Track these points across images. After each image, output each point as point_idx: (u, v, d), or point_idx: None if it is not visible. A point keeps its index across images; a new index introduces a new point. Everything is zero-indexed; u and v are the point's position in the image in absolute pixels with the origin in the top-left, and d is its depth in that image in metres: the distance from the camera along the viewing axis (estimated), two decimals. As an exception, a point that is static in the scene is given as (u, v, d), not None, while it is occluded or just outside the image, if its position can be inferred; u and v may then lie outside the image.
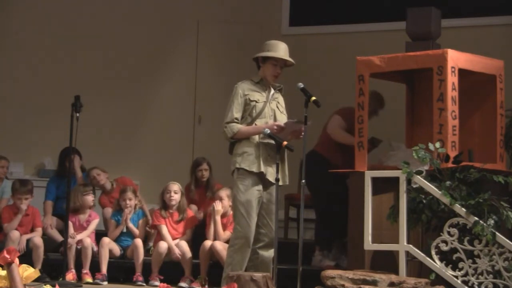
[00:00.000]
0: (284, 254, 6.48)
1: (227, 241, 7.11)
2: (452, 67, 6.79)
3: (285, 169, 6.49)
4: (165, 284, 5.97)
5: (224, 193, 7.75)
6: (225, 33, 10.46)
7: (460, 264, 6.12)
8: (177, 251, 7.73)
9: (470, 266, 6.10)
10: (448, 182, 6.30)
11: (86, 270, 7.77)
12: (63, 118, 7.92)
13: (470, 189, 6.29)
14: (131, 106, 10.19)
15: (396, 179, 6.38)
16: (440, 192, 6.21)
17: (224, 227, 7.78)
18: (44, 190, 8.54)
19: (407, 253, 6.32)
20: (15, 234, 7.84)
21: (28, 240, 7.86)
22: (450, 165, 6.48)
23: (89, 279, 7.70)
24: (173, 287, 6.93)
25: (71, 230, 7.84)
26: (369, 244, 6.51)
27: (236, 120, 6.43)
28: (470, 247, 6.12)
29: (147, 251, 8.02)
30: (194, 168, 8.52)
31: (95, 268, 7.79)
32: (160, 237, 7.92)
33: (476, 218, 6.07)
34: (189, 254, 7.76)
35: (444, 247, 6.17)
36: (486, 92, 7.23)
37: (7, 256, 5.51)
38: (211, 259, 7.69)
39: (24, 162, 9.75)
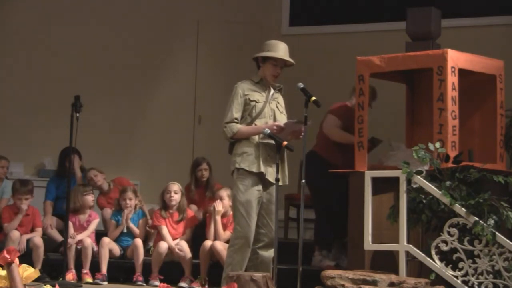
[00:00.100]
0: (284, 254, 6.48)
1: (227, 241, 7.11)
2: (452, 67, 6.79)
3: (285, 169, 6.48)
4: (165, 284, 5.97)
5: (225, 192, 7.75)
6: (225, 33, 10.46)
7: (460, 264, 6.13)
8: (178, 249, 7.72)
9: (470, 266, 6.10)
10: (448, 182, 6.30)
11: (86, 270, 7.77)
12: (63, 118, 7.92)
13: (470, 189, 6.29)
14: (131, 106, 10.19)
15: (396, 179, 6.38)
16: (440, 192, 6.21)
17: (224, 227, 7.78)
18: (44, 190, 8.54)
19: (407, 253, 6.32)
20: (15, 234, 7.84)
21: (28, 240, 7.86)
22: (450, 165, 6.48)
23: (89, 279, 7.70)
24: (173, 287, 6.93)
25: (71, 230, 7.84)
26: (369, 244, 6.51)
27: (235, 120, 6.42)
28: (470, 247, 6.12)
29: (147, 251, 8.02)
30: (194, 168, 8.53)
31: (95, 268, 7.79)
32: (160, 237, 7.92)
33: (476, 218, 6.07)
34: (189, 254, 7.76)
35: (444, 247, 6.17)
36: (486, 92, 7.23)
37: (7, 256, 5.51)
38: (211, 259, 7.69)
39: (24, 162, 9.75)
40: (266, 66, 6.51)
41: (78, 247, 7.85)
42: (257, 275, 5.74)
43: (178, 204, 7.98)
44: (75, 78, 9.81)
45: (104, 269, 7.78)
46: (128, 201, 8.06)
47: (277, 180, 6.23)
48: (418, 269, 6.42)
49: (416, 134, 7.48)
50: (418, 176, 6.32)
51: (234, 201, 6.45)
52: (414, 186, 6.36)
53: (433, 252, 6.20)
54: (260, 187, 6.38)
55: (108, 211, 8.38)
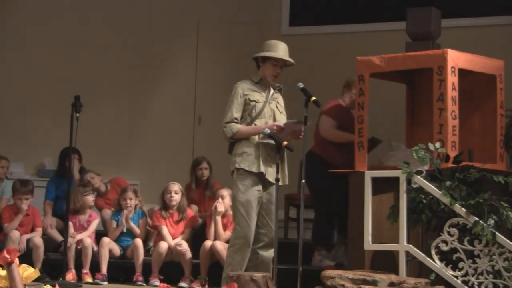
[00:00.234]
0: (284, 254, 6.48)
1: (227, 241, 7.11)
2: (452, 67, 6.79)
3: (285, 169, 6.48)
4: (165, 284, 5.97)
5: (226, 192, 7.73)
6: (225, 33, 10.46)
7: (460, 264, 6.12)
8: (177, 249, 7.72)
9: (470, 266, 6.10)
10: (448, 182, 6.30)
11: (86, 270, 7.77)
12: (63, 118, 7.92)
13: (470, 189, 6.29)
14: (131, 106, 10.20)
15: (396, 179, 6.38)
16: (440, 192, 6.21)
17: (224, 227, 7.78)
18: (44, 190, 8.54)
19: (407, 253, 6.32)
20: (15, 234, 7.84)
21: (28, 240, 7.86)
22: (450, 165, 6.48)
23: (89, 279, 7.70)
24: (173, 287, 6.92)
25: (71, 229, 7.85)
26: (369, 244, 6.51)
27: (235, 120, 6.42)
28: (470, 247, 6.11)
29: (147, 251, 8.02)
30: (194, 167, 8.53)
31: (95, 268, 7.79)
32: (160, 237, 7.91)
33: (476, 218, 6.07)
34: (189, 254, 7.76)
35: (444, 247, 6.17)
36: (486, 92, 7.23)
37: (7, 256, 5.51)
38: (211, 259, 7.69)
39: (24, 162, 9.75)
40: (266, 66, 6.51)
41: (78, 247, 7.85)
42: (257, 275, 5.74)
43: (178, 204, 7.98)
44: (75, 78, 9.81)
45: (104, 269, 7.78)
46: (128, 201, 8.06)
47: (277, 180, 6.23)
48: (418, 269, 6.42)
49: (416, 134, 7.47)
50: (418, 176, 6.32)
51: (234, 201, 6.45)
52: (414, 186, 6.35)
53: (433, 252, 6.19)
54: (260, 187, 6.38)
55: (107, 212, 8.39)
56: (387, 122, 8.59)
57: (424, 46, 7.14)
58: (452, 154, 6.60)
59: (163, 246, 7.76)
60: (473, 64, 7.04)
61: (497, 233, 6.03)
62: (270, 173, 6.36)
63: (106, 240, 7.92)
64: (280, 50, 6.49)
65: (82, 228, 8.05)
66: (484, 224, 6.03)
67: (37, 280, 6.01)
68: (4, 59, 9.90)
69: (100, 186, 8.57)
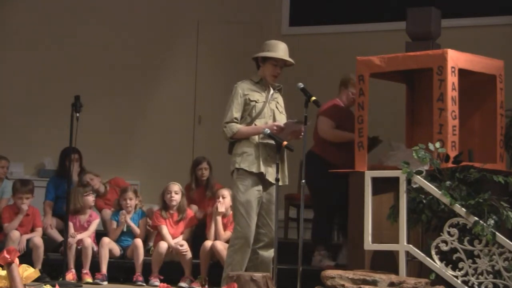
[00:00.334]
0: (284, 254, 6.48)
1: (227, 241, 7.11)
2: (452, 67, 6.79)
3: (285, 169, 6.48)
4: (165, 284, 5.97)
5: (227, 191, 7.72)
6: (225, 33, 10.46)
7: (460, 264, 6.12)
8: (179, 248, 7.72)
9: (470, 266, 6.10)
10: (448, 182, 6.30)
11: (86, 270, 7.77)
12: (63, 118, 7.92)
13: (470, 189, 6.29)
14: (131, 106, 10.20)
15: (396, 179, 6.38)
16: (440, 192, 6.21)
17: (224, 227, 7.78)
18: (44, 190, 8.54)
19: (407, 253, 6.32)
20: (15, 234, 7.84)
21: (28, 240, 7.86)
22: (450, 165, 6.48)
23: (89, 279, 7.71)
24: (173, 287, 6.92)
25: (71, 229, 7.85)
26: (369, 244, 6.51)
27: (235, 120, 6.42)
28: (470, 247, 6.11)
29: (147, 251, 8.02)
30: (194, 167, 8.53)
31: (95, 268, 7.80)
32: (160, 237, 7.91)
33: (476, 218, 6.07)
34: (189, 254, 7.76)
35: (444, 247, 6.17)
36: (486, 92, 7.23)
37: (7, 256, 5.51)
38: (211, 259, 7.69)
39: (24, 162, 9.75)
40: (266, 66, 6.51)
41: (78, 247, 7.85)
42: (257, 275, 5.74)
43: (178, 204, 7.98)
44: (75, 78, 9.81)
45: (104, 269, 7.79)
46: (128, 201, 8.07)
47: (277, 180, 6.23)
48: (418, 269, 6.42)
49: (416, 134, 7.47)
50: (418, 176, 6.32)
51: (234, 201, 6.45)
52: (414, 186, 6.35)
53: (433, 252, 6.19)
54: (260, 187, 6.38)
55: (107, 212, 8.39)
56: (387, 122, 8.59)
57: (424, 46, 7.14)
58: (452, 154, 6.60)
59: (163, 246, 7.76)
60: (473, 64, 7.04)
61: (497, 233, 6.03)
62: (270, 173, 6.36)
63: (106, 240, 7.92)
64: (280, 50, 6.49)
65: (82, 228, 8.05)
66: (484, 224, 6.03)
67: (37, 280, 6.01)
68: (4, 59, 9.90)
69: (100, 187, 8.57)
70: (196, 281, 7.66)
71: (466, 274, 6.10)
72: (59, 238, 8.11)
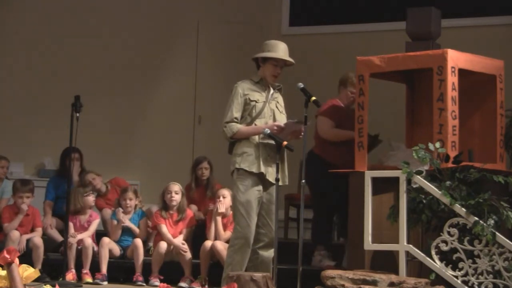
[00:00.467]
0: (284, 254, 6.48)
1: (227, 241, 7.11)
2: (452, 67, 6.79)
3: (285, 169, 6.48)
4: (165, 284, 5.97)
5: (227, 191, 7.72)
6: (225, 33, 10.46)
7: (460, 264, 6.12)
8: (180, 246, 7.71)
9: (470, 266, 6.10)
10: (448, 182, 6.30)
11: (86, 270, 7.77)
12: (63, 118, 7.92)
13: (470, 189, 6.29)
14: (131, 106, 10.19)
15: (396, 179, 6.38)
16: (440, 192, 6.21)
17: (224, 227, 7.78)
18: (44, 190, 8.54)
19: (407, 253, 6.32)
20: (15, 234, 7.84)
21: (28, 240, 7.86)
22: (450, 165, 6.48)
23: (89, 279, 7.70)
24: (173, 287, 6.92)
25: (71, 229, 7.85)
26: (369, 244, 6.51)
27: (235, 120, 6.42)
28: (470, 247, 6.12)
29: (147, 251, 8.02)
30: (194, 166, 8.53)
31: (95, 268, 7.79)
32: (160, 237, 7.91)
33: (476, 218, 6.07)
34: (189, 254, 7.76)
35: (444, 247, 6.17)
36: (486, 92, 7.23)
37: (7, 256, 5.51)
38: (211, 259, 7.68)
39: (24, 162, 9.75)
40: (267, 66, 6.51)
41: (79, 247, 7.85)
42: (257, 275, 5.74)
43: (178, 204, 7.98)
44: (75, 78, 9.81)
45: (104, 269, 7.78)
46: (128, 201, 8.07)
47: (277, 180, 6.23)
48: (418, 269, 6.42)
49: (416, 134, 7.47)
50: (418, 176, 6.32)
51: (234, 201, 6.45)
52: (414, 186, 6.35)
53: (433, 252, 6.19)
54: (260, 187, 6.38)
55: (107, 211, 8.39)
56: (387, 122, 8.59)
57: (424, 46, 7.14)
58: (452, 154, 6.60)
59: (163, 246, 7.76)
60: (473, 64, 7.04)
61: (497, 233, 6.03)
62: (270, 173, 6.36)
63: (106, 240, 7.92)
64: (280, 50, 6.49)
65: (82, 228, 8.05)
66: (484, 224, 6.03)
67: (37, 280, 6.01)
68: (4, 59, 9.90)
69: (101, 186, 8.57)
70: (196, 281, 7.66)
71: (466, 274, 6.10)
72: (59, 238, 8.11)
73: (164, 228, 7.90)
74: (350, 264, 6.88)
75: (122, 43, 10.19)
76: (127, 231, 8.07)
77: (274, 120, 6.47)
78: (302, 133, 6.32)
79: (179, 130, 10.31)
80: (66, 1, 10.12)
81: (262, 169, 6.34)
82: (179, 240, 7.81)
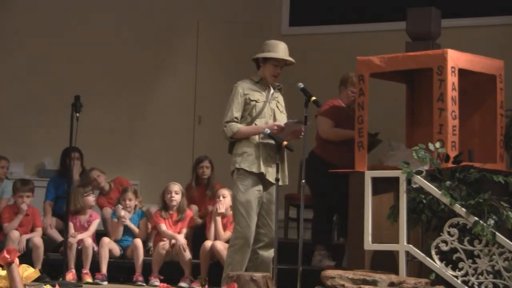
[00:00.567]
0: (284, 254, 6.48)
1: (227, 241, 7.11)
2: (452, 67, 6.79)
3: (285, 169, 6.48)
4: (165, 284, 5.97)
5: (227, 191, 7.72)
6: (225, 33, 10.46)
7: (460, 264, 6.12)
8: (181, 241, 7.71)
9: (470, 266, 6.10)
10: (448, 182, 6.29)
11: (86, 270, 7.77)
12: (63, 118, 7.93)
13: (470, 189, 6.29)
14: (131, 106, 10.20)
15: (396, 179, 6.38)
16: (440, 192, 6.21)
17: (224, 227, 7.78)
18: (44, 190, 8.55)
19: (407, 253, 6.32)
20: (15, 234, 7.84)
21: (28, 240, 7.86)
22: (450, 165, 6.48)
23: (89, 279, 7.71)
24: (173, 287, 6.92)
25: (71, 229, 7.85)
26: (369, 244, 6.51)
27: (235, 120, 6.42)
28: (470, 247, 6.11)
29: (147, 251, 8.02)
30: (196, 165, 8.53)
31: (95, 268, 7.80)
32: (160, 237, 7.91)
33: (476, 218, 6.07)
34: (189, 254, 7.76)
35: (444, 247, 6.17)
36: (486, 92, 7.23)
37: (7, 256, 5.51)
38: (211, 259, 7.68)
39: (24, 162, 9.75)
40: (267, 66, 6.51)
41: (79, 247, 7.85)
42: (257, 275, 5.74)
43: (178, 204, 7.98)
44: (75, 78, 9.81)
45: (104, 269, 7.79)
46: (128, 202, 8.07)
47: (277, 180, 6.23)
48: (418, 269, 6.42)
49: (416, 134, 7.47)
50: (418, 176, 6.32)
51: (234, 201, 6.45)
52: (414, 186, 6.35)
53: (433, 252, 6.19)
54: (260, 187, 6.38)
55: (108, 210, 8.39)
56: (387, 122, 8.58)
57: (424, 46, 7.14)
58: (452, 154, 6.59)
59: (163, 246, 7.76)
60: (473, 64, 7.04)
61: (497, 233, 6.03)
62: (270, 173, 6.36)
63: (106, 240, 7.92)
64: (281, 50, 6.50)
65: (82, 228, 8.05)
66: (484, 224, 6.03)
67: (37, 280, 6.01)
68: (4, 59, 9.90)
69: (105, 185, 8.57)
70: (196, 281, 7.66)
71: (466, 274, 6.10)
72: (59, 238, 8.11)
73: (164, 227, 7.90)
74: (350, 264, 6.88)
75: (122, 43, 10.18)
76: (127, 231, 8.07)
77: (275, 119, 6.47)
78: (302, 133, 6.32)
79: (179, 130, 10.32)
80: (66, 1, 10.12)
81: (262, 169, 6.34)
82: (181, 238, 7.81)
